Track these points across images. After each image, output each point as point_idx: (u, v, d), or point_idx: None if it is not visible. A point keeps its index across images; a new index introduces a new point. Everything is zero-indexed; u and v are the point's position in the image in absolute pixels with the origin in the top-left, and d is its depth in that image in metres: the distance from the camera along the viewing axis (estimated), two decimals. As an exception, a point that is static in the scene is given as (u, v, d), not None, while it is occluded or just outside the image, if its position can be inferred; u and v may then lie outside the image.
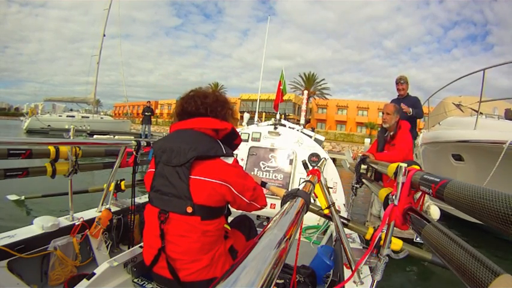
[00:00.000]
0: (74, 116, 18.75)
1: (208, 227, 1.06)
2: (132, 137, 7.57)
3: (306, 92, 6.39)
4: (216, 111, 1.19)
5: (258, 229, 1.62)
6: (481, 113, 3.73)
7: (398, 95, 3.73)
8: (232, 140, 1.23)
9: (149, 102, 13.47)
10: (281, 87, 5.57)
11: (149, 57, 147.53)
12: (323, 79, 37.78)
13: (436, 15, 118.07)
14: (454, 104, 5.21)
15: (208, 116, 1.17)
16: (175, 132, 1.18)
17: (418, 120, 4.08)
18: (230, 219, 1.41)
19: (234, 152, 1.21)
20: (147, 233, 1.16)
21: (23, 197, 3.64)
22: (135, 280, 1.31)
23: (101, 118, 20.28)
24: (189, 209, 1.03)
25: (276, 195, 1.56)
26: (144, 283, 1.29)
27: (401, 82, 3.63)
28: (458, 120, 4.51)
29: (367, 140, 5.07)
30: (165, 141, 1.16)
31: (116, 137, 10.09)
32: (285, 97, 6.69)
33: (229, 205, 1.21)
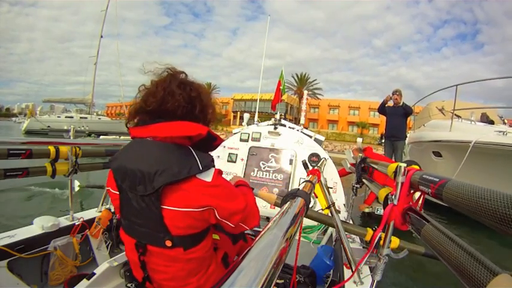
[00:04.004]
0: (72, 117, 18.77)
1: (194, 254, 0.91)
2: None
3: (306, 92, 6.46)
4: (206, 112, 0.99)
5: (258, 229, 1.59)
6: (460, 117, 4.79)
7: (394, 103, 4.98)
8: (211, 142, 0.95)
9: None
10: (280, 87, 5.57)
11: (139, 56, 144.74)
12: (315, 79, 38.06)
13: (425, 14, 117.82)
14: (437, 108, 6.12)
15: (187, 118, 0.92)
16: (135, 145, 0.93)
17: (409, 121, 5.31)
18: None
19: (234, 153, 1.10)
20: (128, 256, 1.01)
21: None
22: (128, 285, 1.21)
23: (99, 119, 20.31)
24: (168, 243, 0.86)
25: (267, 201, 1.48)
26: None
27: (396, 94, 4.92)
28: (439, 123, 5.29)
29: (360, 139, 5.73)
30: (125, 159, 0.91)
31: (122, 137, 10.20)
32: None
33: None
